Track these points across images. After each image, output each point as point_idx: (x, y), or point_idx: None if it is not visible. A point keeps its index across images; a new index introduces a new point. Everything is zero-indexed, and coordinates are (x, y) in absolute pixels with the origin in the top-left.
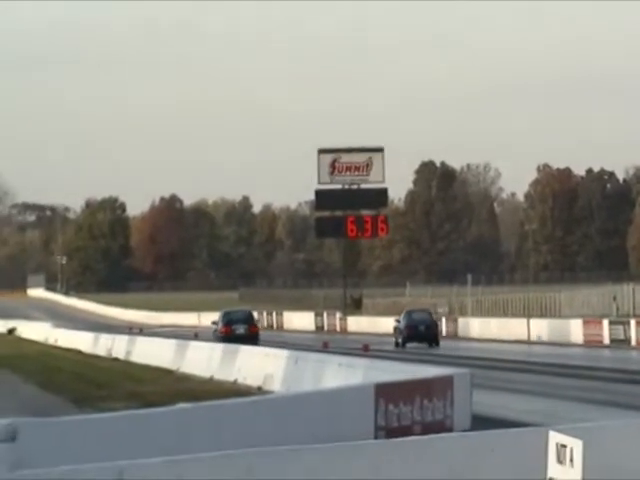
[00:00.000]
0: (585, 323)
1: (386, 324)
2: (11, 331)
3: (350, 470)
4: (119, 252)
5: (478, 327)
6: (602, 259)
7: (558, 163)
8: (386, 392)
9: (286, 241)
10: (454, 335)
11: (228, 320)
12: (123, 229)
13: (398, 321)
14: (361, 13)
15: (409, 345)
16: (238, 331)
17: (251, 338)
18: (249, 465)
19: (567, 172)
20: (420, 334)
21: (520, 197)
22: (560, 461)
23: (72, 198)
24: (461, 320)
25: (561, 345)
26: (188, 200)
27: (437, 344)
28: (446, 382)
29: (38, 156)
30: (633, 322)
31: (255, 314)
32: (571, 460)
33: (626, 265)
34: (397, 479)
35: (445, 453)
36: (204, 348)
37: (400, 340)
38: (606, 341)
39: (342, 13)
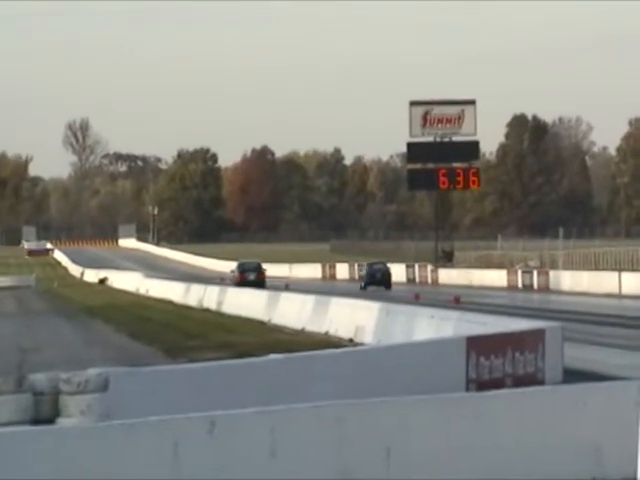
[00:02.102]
0: None
1: (478, 277)
2: (102, 281)
3: (441, 422)
4: (211, 203)
5: (569, 280)
6: None
7: None
8: (477, 345)
9: (378, 193)
10: (545, 288)
11: (242, 269)
12: (215, 180)
13: (361, 270)
14: None
15: (370, 289)
16: (249, 277)
17: (259, 283)
18: (340, 416)
19: None
20: (377, 280)
21: (612, 151)
22: None
23: (164, 148)
24: (552, 273)
25: None
26: (280, 151)
27: (389, 288)
28: (538, 335)
29: (130, 106)
30: None
31: (342, 266)
32: None
33: None
34: (488, 431)
35: (537, 406)
36: (296, 299)
37: (362, 284)
38: None
39: None
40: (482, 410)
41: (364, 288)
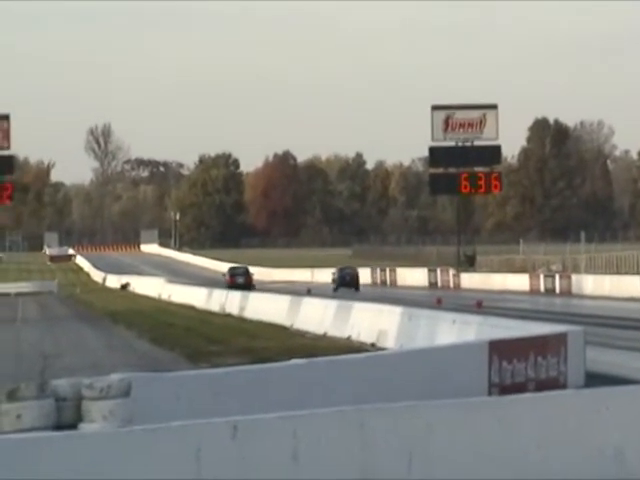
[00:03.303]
0: None
1: (500, 281)
2: (125, 286)
3: (465, 426)
4: (232, 208)
5: (591, 284)
6: None
7: None
8: (500, 349)
9: (399, 198)
10: (568, 292)
11: (232, 273)
12: (237, 185)
13: (334, 274)
14: None
15: (341, 290)
16: (238, 281)
17: (247, 286)
18: (363, 421)
19: None
20: (346, 282)
21: (634, 154)
22: None
23: (185, 154)
24: (574, 277)
25: None
26: (301, 156)
27: (357, 289)
28: (560, 339)
29: (152, 112)
30: None
31: (364, 270)
32: None
33: None
34: (511, 435)
35: (559, 410)
36: (318, 304)
37: (334, 286)
38: None
39: None
40: (504, 414)
41: (336, 290)
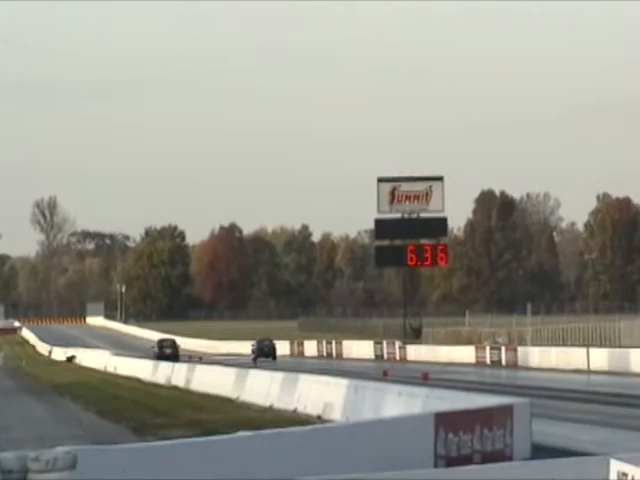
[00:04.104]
0: None
1: (446, 353)
2: (70, 359)
3: None
4: (179, 280)
5: (538, 356)
6: None
7: (618, 192)
8: (446, 421)
9: (345, 270)
10: (514, 364)
11: (161, 345)
12: (183, 257)
13: (253, 345)
14: (416, 38)
15: (259, 360)
16: (166, 352)
17: (174, 356)
18: None
19: (627, 201)
20: (264, 353)
21: (580, 226)
22: None
23: (131, 226)
24: (520, 349)
25: (621, 375)
26: (247, 228)
27: (275, 359)
28: (506, 411)
29: (98, 184)
30: None
31: (310, 343)
32: None
33: None
34: None
35: None
36: (264, 377)
37: (254, 356)
38: None
39: (402, 38)
40: None
41: (255, 360)
